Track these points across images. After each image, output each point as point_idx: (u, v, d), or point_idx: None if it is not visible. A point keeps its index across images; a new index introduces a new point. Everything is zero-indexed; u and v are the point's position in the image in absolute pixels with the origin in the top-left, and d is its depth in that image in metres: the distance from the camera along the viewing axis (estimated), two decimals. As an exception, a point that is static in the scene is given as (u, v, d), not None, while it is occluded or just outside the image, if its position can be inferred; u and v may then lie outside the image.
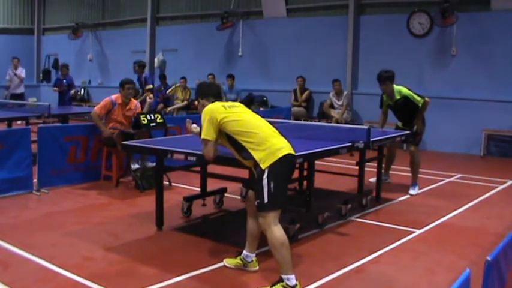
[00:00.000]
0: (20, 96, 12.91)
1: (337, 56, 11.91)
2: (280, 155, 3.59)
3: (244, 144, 3.68)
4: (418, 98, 6.64)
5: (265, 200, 3.55)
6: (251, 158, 3.67)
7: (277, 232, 3.55)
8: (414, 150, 6.82)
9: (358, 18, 11.72)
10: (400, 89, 6.69)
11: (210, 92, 4.14)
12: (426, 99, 6.68)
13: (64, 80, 12.18)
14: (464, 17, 10.28)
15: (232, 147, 3.86)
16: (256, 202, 3.63)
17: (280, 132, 3.82)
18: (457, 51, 10.43)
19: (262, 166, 3.57)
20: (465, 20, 10.27)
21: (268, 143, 3.62)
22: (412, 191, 6.77)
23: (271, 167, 3.56)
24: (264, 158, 3.58)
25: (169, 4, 15.17)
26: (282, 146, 3.66)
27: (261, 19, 13.19)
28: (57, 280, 3.82)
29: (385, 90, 6.72)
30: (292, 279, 3.51)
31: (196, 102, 4.42)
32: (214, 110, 3.78)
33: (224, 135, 3.81)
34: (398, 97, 6.70)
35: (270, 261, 4.18)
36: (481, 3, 10.24)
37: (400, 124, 7.06)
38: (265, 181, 3.55)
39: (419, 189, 6.93)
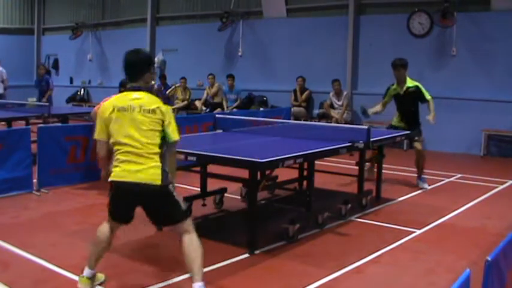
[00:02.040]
0: (0, 96, 12.93)
1: (337, 56, 11.90)
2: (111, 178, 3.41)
3: None
4: (427, 94, 6.86)
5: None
6: None
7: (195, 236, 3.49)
8: (421, 147, 7.02)
9: (358, 18, 11.72)
10: (413, 81, 6.94)
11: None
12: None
13: (44, 81, 12.23)
14: (464, 17, 10.28)
15: None
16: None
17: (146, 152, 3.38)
18: (457, 51, 10.43)
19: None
20: (465, 20, 10.27)
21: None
22: (426, 185, 7.02)
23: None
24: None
25: (169, 4, 15.17)
26: (119, 171, 3.39)
27: (261, 19, 13.18)
28: (57, 280, 3.82)
29: (398, 76, 6.90)
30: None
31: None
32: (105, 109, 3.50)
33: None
34: (410, 85, 6.89)
35: (270, 261, 4.19)
36: (481, 3, 10.23)
37: (395, 122, 7.09)
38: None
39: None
